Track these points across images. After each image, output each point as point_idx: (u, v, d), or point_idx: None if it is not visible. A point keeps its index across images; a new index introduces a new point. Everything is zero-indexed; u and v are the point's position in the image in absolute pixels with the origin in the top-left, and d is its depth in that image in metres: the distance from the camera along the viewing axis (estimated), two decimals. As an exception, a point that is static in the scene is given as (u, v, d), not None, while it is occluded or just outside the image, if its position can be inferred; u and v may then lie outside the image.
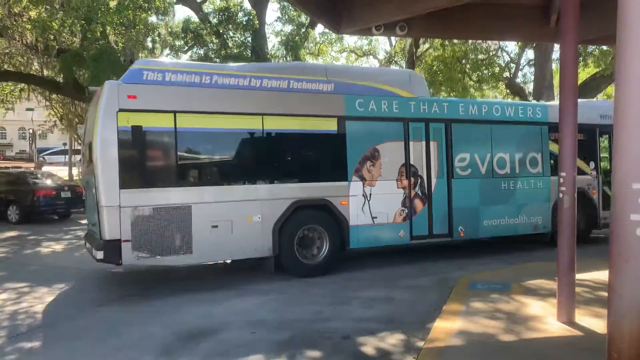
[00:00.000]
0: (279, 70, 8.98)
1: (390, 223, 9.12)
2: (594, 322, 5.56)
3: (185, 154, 7.88)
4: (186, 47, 19.39)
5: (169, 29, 18.80)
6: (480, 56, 23.92)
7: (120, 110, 7.26)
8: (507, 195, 10.30)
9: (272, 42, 22.97)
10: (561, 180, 5.65)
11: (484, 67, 24.18)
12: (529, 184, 10.60)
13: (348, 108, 8.83)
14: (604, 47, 19.63)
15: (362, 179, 8.91)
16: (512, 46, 35.31)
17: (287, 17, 22.19)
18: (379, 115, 9.05)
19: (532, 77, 24.27)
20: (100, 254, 7.16)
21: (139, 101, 7.41)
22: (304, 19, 21.69)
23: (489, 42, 24.72)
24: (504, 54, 29.00)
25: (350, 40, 35.11)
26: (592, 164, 11.34)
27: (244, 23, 18.66)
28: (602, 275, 7.61)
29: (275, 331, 5.74)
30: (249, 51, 18.79)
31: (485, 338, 5.19)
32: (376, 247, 9.63)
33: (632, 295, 2.84)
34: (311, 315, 6.35)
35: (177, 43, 19.12)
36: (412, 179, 9.36)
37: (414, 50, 26.01)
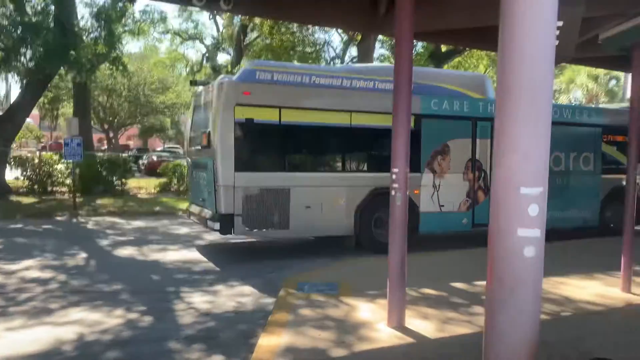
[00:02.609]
0: (367, 72, 9.79)
1: (455, 211, 10.15)
2: (424, 325, 5.32)
3: (286, 144, 9.25)
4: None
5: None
6: (308, 49, 23.98)
7: (237, 104, 8.49)
8: (561, 191, 11.06)
9: (82, 14, 20.20)
10: (393, 176, 5.32)
11: (311, 61, 24.32)
12: (582, 181, 11.41)
13: (424, 107, 9.74)
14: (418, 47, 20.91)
15: (433, 171, 9.98)
16: (337, 42, 36.44)
17: (100, -13, 19.71)
18: (450, 114, 10.04)
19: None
20: (217, 225, 8.50)
21: (252, 97, 8.60)
22: (121, -9, 19.48)
23: (316, 36, 25.02)
24: (330, 49, 29.71)
25: (175, 22, 33.23)
26: None
27: (46, -13, 16.01)
28: (428, 271, 7.65)
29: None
30: (52, 21, 16.17)
31: (315, 355, 4.60)
32: (444, 232, 10.60)
33: (519, 335, 2.25)
34: (114, 335, 5.21)
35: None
36: (477, 173, 10.34)
37: (242, 37, 25.25)
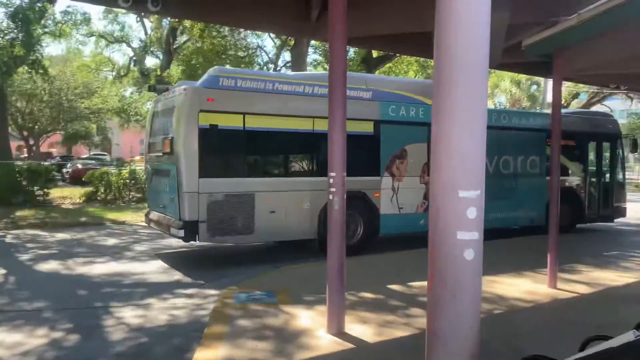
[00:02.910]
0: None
1: (413, 213, 10.54)
2: (363, 330, 5.32)
3: (250, 150, 9.27)
4: None
5: None
6: (241, 53, 23.69)
7: (201, 111, 8.48)
8: (510, 192, 11.84)
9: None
10: (330, 180, 5.27)
11: (244, 65, 24.03)
12: (529, 183, 12.17)
13: (383, 113, 10.25)
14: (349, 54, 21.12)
15: (392, 174, 10.37)
16: (270, 46, 36.30)
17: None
18: (407, 120, 10.45)
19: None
20: (181, 232, 8.37)
21: (215, 103, 8.60)
22: (39, -9, 18.46)
23: (249, 40, 24.78)
24: (263, 53, 29.49)
25: (100, 24, 32.08)
26: (581, 167, 13.16)
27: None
28: (366, 274, 7.68)
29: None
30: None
31: (254, 367, 4.48)
32: (402, 233, 10.81)
33: (462, 340, 2.24)
34: (37, 356, 4.82)
35: None
36: None
37: (172, 40, 24.61)
